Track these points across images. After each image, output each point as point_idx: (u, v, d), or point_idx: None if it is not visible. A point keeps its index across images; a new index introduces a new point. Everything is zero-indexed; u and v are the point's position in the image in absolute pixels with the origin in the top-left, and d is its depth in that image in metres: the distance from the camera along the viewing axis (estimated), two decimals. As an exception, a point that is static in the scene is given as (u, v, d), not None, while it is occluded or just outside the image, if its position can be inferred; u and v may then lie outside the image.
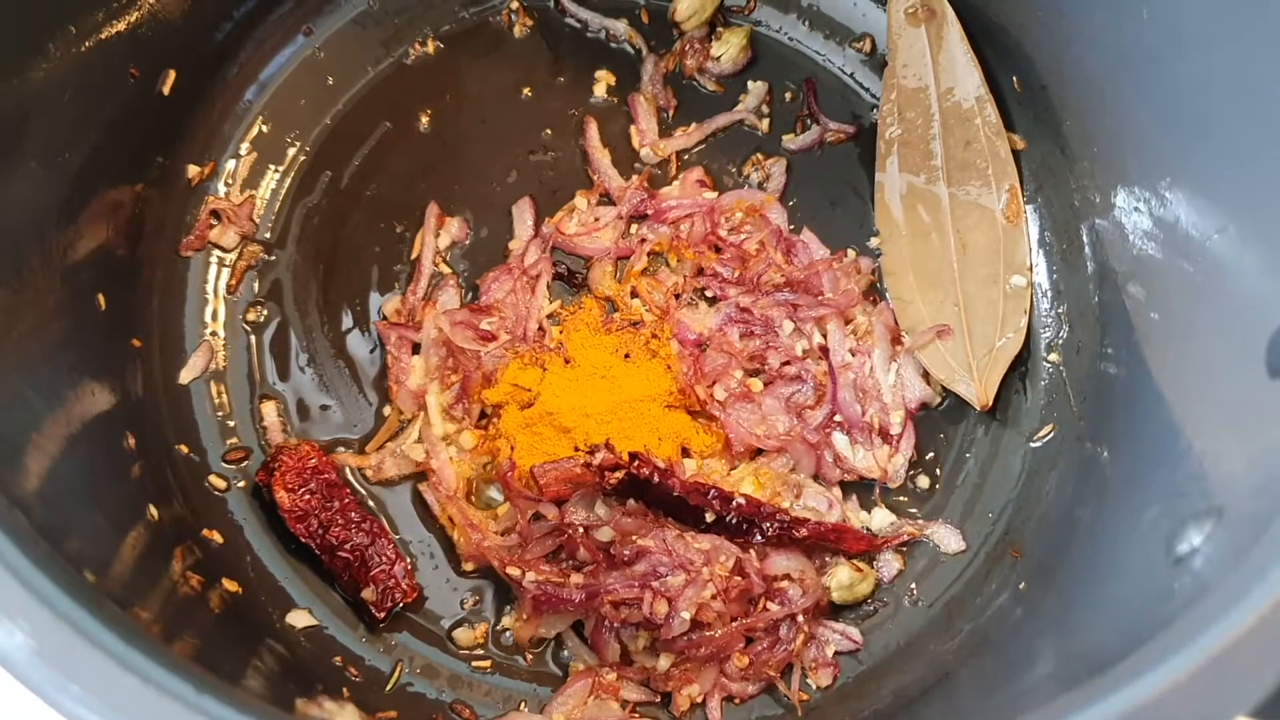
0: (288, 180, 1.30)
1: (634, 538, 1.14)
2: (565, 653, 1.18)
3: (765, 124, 1.34)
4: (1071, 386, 1.22)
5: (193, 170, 1.27)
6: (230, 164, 1.29)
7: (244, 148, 1.30)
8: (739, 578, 1.14)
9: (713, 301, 1.27)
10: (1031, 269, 1.26)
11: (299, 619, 1.16)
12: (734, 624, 1.14)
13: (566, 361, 1.22)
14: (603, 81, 1.34)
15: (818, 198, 1.32)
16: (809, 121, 1.34)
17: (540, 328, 1.25)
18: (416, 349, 1.25)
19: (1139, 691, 0.66)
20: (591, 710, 1.13)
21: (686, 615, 1.11)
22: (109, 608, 0.65)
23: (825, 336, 1.24)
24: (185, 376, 1.23)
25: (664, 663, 1.14)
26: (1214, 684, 0.66)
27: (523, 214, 1.30)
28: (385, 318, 1.26)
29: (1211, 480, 0.89)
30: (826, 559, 1.20)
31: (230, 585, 1.14)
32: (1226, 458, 0.89)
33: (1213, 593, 0.70)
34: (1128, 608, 0.91)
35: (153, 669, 0.61)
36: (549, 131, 1.33)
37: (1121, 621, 0.90)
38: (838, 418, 1.22)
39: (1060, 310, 1.25)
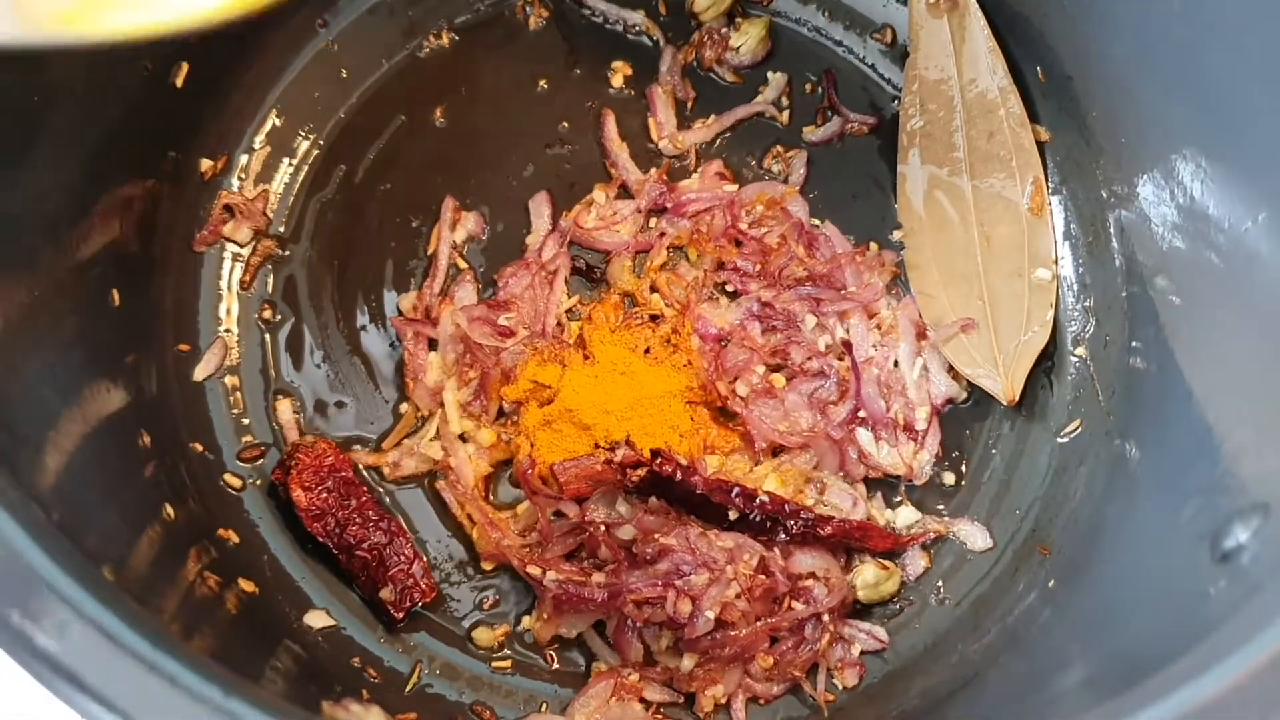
0: (301, 174, 1.28)
1: (656, 536, 1.13)
2: (593, 655, 1.16)
3: (785, 116, 1.32)
4: (1099, 381, 1.20)
5: (206, 164, 1.25)
6: (243, 158, 1.27)
7: (257, 141, 1.28)
8: (763, 576, 1.13)
9: (734, 296, 1.25)
10: (1057, 262, 1.24)
11: (317, 619, 1.15)
12: (758, 623, 1.12)
13: (586, 357, 1.21)
14: (620, 73, 1.32)
15: (839, 190, 1.30)
16: (829, 113, 1.32)
17: (559, 323, 1.23)
18: (433, 345, 1.23)
19: (1191, 696, 0.64)
20: (614, 711, 1.12)
21: (710, 614, 1.10)
22: (132, 608, 0.63)
23: (848, 331, 1.22)
24: (200, 373, 1.21)
25: (688, 663, 1.13)
26: (1269, 688, 0.64)
27: (540, 208, 1.28)
28: (401, 313, 1.25)
29: (1251, 476, 0.87)
30: (852, 557, 1.18)
31: (247, 585, 1.13)
32: (1267, 453, 0.87)
33: (1264, 592, 0.68)
34: (1165, 608, 0.90)
35: (180, 671, 0.60)
36: (566, 124, 1.31)
37: (1159, 623, 0.88)
38: (862, 414, 1.20)
39: (1087, 304, 1.23)
